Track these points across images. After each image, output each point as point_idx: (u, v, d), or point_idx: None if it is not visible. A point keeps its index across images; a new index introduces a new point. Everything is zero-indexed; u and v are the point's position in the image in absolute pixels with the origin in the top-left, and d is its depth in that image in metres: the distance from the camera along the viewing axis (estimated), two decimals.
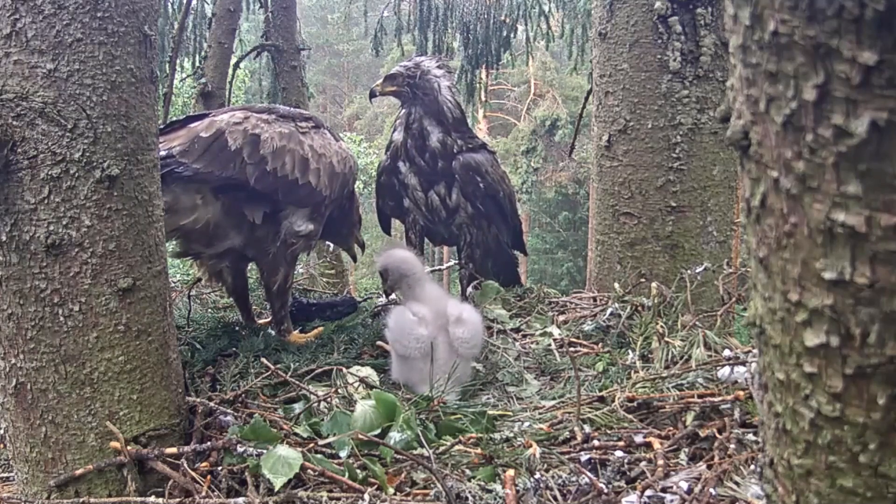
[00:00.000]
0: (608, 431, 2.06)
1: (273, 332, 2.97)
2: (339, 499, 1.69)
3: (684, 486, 1.68)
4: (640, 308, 2.95)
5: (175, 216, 2.53)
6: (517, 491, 1.69)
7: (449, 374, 2.43)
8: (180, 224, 2.59)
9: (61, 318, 1.72)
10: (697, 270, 2.97)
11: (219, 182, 2.62)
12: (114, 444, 1.77)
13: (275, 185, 2.69)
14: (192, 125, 2.64)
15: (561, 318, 3.24)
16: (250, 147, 2.64)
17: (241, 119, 2.70)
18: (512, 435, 2.05)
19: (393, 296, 3.79)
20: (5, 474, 2.15)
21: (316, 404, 2.23)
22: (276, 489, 1.69)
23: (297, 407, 2.20)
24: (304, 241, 2.88)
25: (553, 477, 1.76)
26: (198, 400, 2.06)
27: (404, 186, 3.57)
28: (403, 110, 3.50)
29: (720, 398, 2.07)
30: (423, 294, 2.64)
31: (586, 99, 5.03)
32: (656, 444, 1.92)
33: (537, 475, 1.75)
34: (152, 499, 1.73)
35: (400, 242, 3.16)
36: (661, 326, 2.69)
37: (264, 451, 1.78)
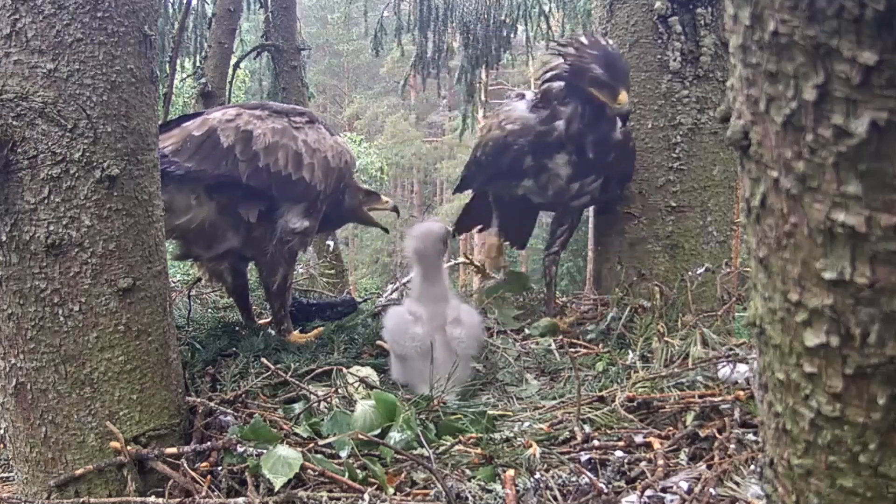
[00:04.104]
0: (608, 431, 2.07)
1: (273, 332, 2.97)
2: (339, 499, 1.69)
3: (684, 486, 1.68)
4: (640, 308, 2.95)
5: (170, 216, 2.53)
6: (517, 491, 1.69)
7: (449, 374, 2.43)
8: (175, 224, 2.59)
9: (61, 318, 1.72)
10: (698, 272, 2.98)
11: (212, 180, 2.62)
12: (114, 444, 1.77)
13: (268, 181, 2.68)
14: (185, 124, 2.64)
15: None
16: (242, 143, 2.63)
17: (234, 116, 2.69)
18: (512, 435, 2.05)
19: (393, 294, 3.80)
20: (5, 474, 2.14)
21: (316, 404, 2.23)
22: (276, 489, 1.69)
23: (297, 407, 2.21)
24: (299, 238, 2.87)
25: (553, 477, 1.76)
26: (198, 400, 2.05)
27: (540, 171, 3.12)
28: (569, 106, 2.94)
29: (720, 398, 2.07)
30: (433, 289, 2.64)
31: None
32: (656, 444, 1.92)
33: (537, 475, 1.75)
34: (152, 499, 1.73)
35: (437, 220, 3.07)
36: (661, 327, 2.69)
37: (264, 451, 1.78)
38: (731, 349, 2.38)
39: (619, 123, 2.99)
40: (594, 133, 2.97)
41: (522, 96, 3.21)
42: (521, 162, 3.09)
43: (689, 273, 2.97)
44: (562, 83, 2.95)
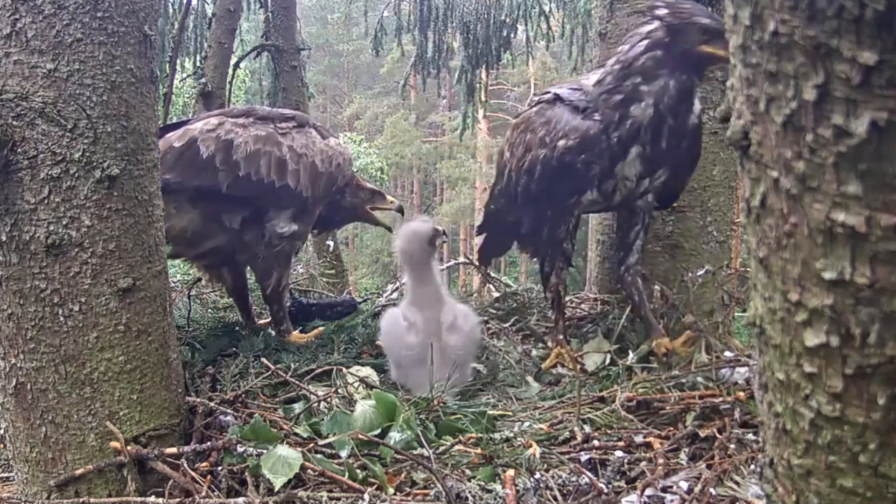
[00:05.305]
0: (608, 431, 2.07)
1: (273, 333, 2.97)
2: (339, 499, 1.69)
3: (684, 485, 1.68)
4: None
5: None
6: (517, 491, 1.69)
7: (445, 378, 2.42)
8: None
9: (61, 318, 1.72)
10: (699, 273, 2.97)
11: (192, 191, 2.62)
12: (114, 444, 1.77)
13: (249, 189, 2.67)
14: (168, 135, 2.63)
15: None
16: (223, 153, 2.62)
17: (215, 126, 2.68)
18: (512, 435, 2.05)
19: (393, 294, 3.79)
20: (5, 474, 2.15)
21: (316, 404, 2.23)
22: (276, 489, 1.69)
23: (297, 407, 2.20)
24: (287, 243, 2.85)
25: (553, 477, 1.77)
26: (198, 400, 2.05)
27: (606, 179, 2.68)
28: (657, 81, 2.48)
29: (720, 399, 2.07)
30: (425, 291, 2.62)
31: None
32: (656, 444, 1.92)
33: (537, 475, 1.76)
34: (152, 499, 1.73)
35: (425, 219, 2.81)
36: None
37: (264, 451, 1.78)
38: (735, 356, 2.38)
39: (697, 104, 2.60)
40: (674, 117, 2.53)
41: (557, 98, 2.72)
42: (586, 176, 2.64)
43: (690, 274, 2.97)
44: (655, 53, 2.44)
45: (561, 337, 2.84)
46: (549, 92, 2.82)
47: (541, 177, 2.67)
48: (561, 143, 2.60)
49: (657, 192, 2.81)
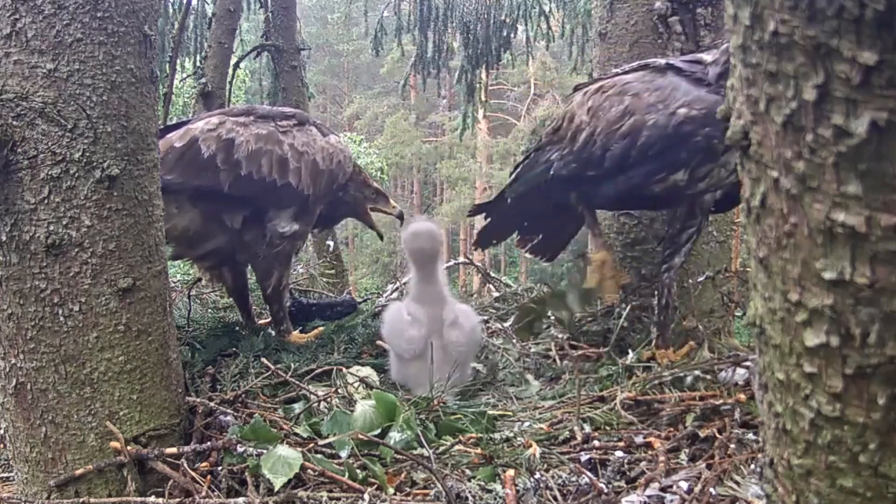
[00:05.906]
0: (608, 431, 2.07)
1: (273, 333, 2.97)
2: (339, 499, 1.69)
3: (684, 485, 1.68)
4: (640, 309, 2.95)
5: None
6: (517, 491, 1.69)
7: (446, 376, 2.42)
8: None
9: (61, 318, 1.72)
10: (699, 280, 2.98)
11: (193, 190, 2.61)
12: (114, 444, 1.77)
13: (251, 188, 2.66)
14: (169, 135, 2.63)
15: None
16: (224, 153, 2.61)
17: (216, 125, 2.67)
18: (512, 435, 2.05)
19: (393, 294, 3.79)
20: (5, 474, 2.15)
21: (316, 404, 2.23)
22: (276, 489, 1.69)
23: (297, 407, 2.20)
24: (289, 242, 2.85)
25: (553, 477, 1.77)
26: (198, 400, 2.05)
27: (708, 160, 2.43)
28: None
29: (721, 400, 2.07)
30: (429, 290, 2.62)
31: None
32: (656, 444, 1.92)
33: (537, 475, 1.76)
34: (152, 499, 1.73)
35: (428, 219, 2.80)
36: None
37: (264, 451, 1.78)
38: (734, 354, 2.39)
39: None
40: None
41: (670, 68, 2.48)
42: (695, 153, 2.39)
43: (691, 281, 2.97)
44: None
45: (605, 241, 2.66)
46: (655, 61, 2.60)
47: (645, 143, 2.43)
48: (682, 111, 2.37)
49: (727, 190, 2.59)
